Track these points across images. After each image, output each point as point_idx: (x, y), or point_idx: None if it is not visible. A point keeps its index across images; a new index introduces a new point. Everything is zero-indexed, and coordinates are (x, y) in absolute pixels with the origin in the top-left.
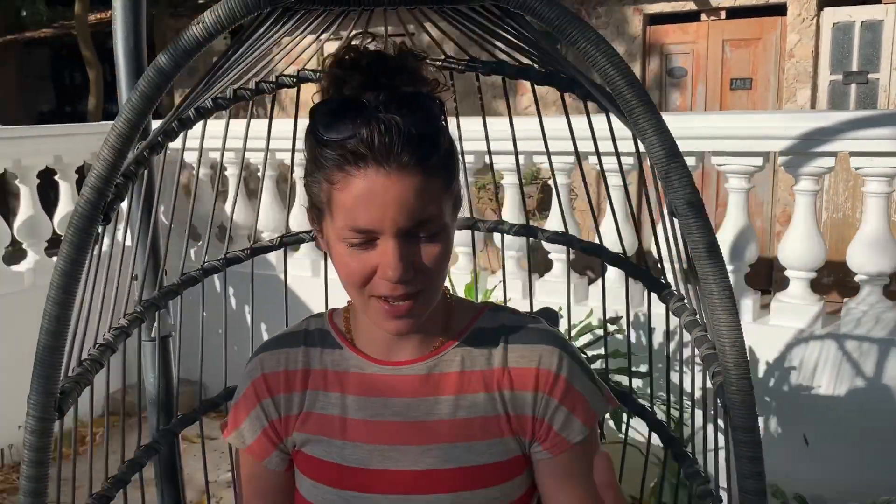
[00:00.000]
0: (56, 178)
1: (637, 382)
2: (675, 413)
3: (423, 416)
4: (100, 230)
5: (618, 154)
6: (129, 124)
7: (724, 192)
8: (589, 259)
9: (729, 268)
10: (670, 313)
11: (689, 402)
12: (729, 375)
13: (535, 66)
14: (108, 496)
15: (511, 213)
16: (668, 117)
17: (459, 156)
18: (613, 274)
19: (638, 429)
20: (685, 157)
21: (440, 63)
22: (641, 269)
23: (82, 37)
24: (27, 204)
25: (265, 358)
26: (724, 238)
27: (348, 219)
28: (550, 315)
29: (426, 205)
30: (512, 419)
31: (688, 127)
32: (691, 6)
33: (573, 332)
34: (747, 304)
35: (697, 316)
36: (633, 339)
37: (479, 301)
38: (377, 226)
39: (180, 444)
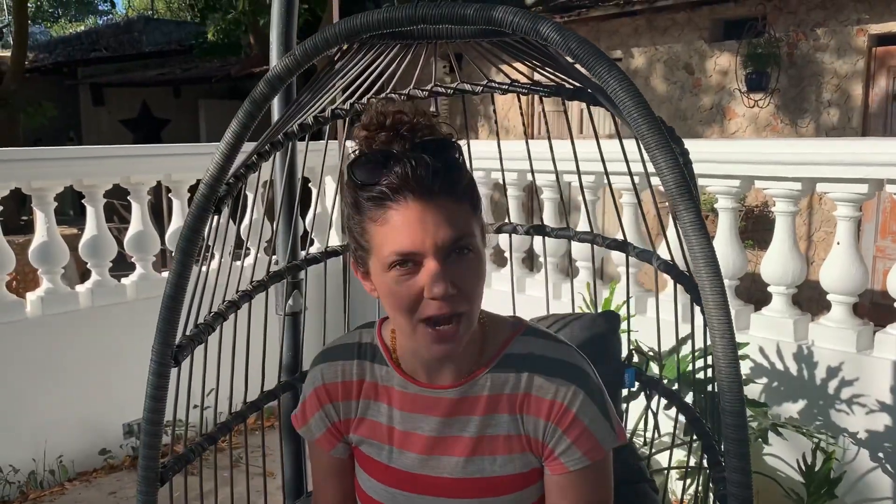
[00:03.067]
0: (169, 195)
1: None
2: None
3: (455, 432)
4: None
5: (647, 174)
6: (235, 136)
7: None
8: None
9: (843, 298)
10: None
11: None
12: (719, 363)
13: (566, 84)
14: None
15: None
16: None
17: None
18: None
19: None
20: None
21: (484, 84)
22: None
23: None
24: (92, 224)
25: (324, 369)
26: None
27: (393, 245)
28: (611, 317)
29: (460, 225)
30: (530, 438)
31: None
32: None
33: None
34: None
35: None
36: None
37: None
38: (419, 248)
39: None
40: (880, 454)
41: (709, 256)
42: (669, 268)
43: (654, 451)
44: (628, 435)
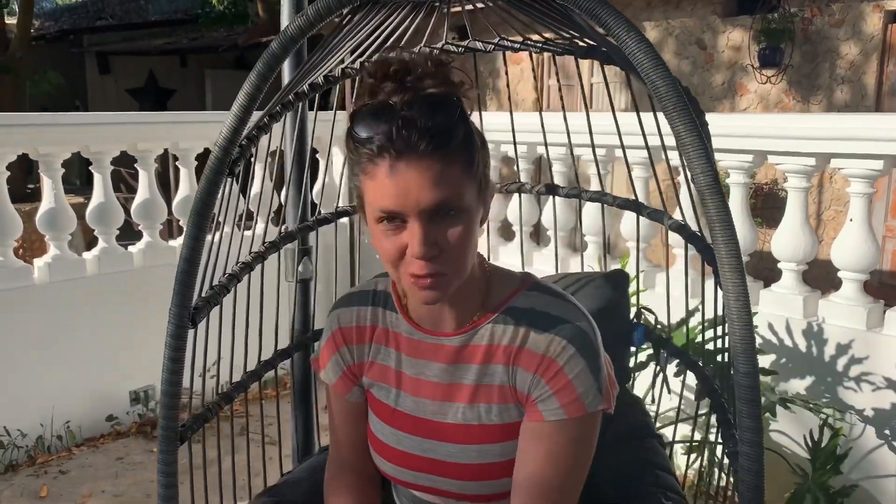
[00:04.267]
0: (177, 163)
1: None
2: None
3: (456, 379)
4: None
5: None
6: (248, 97)
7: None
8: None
9: (854, 275)
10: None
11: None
12: (732, 321)
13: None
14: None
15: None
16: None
17: (483, 145)
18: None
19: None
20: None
21: (495, 42)
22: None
23: None
24: (99, 191)
25: (341, 314)
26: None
27: (378, 203)
28: (620, 276)
29: (446, 187)
30: (516, 391)
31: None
32: None
33: None
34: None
35: None
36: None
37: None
38: (402, 208)
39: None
40: (886, 431)
41: (724, 218)
42: (681, 228)
43: (661, 413)
44: (639, 394)
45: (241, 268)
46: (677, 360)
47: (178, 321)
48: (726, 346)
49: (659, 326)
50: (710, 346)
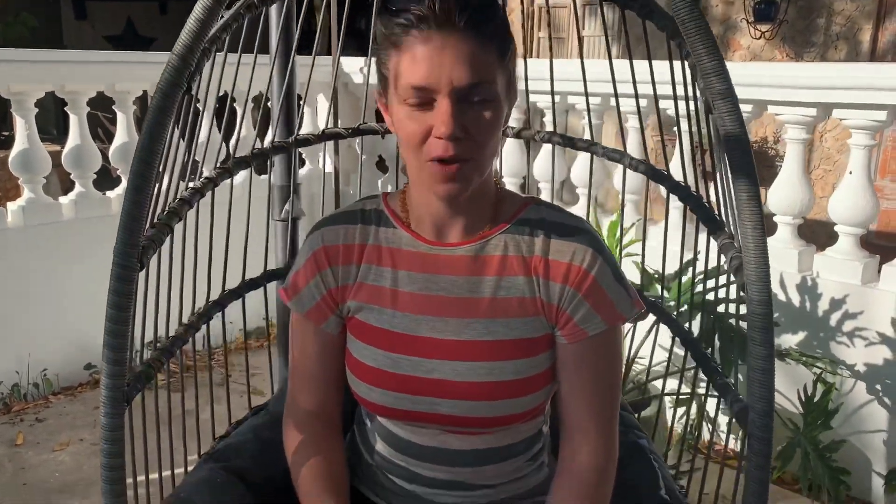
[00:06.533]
0: (113, 107)
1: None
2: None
3: (467, 293)
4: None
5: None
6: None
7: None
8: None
9: (851, 229)
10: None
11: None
12: (748, 249)
13: None
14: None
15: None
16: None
17: (514, 43)
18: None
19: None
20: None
21: None
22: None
23: None
24: (75, 133)
25: (325, 232)
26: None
27: (409, 77)
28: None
29: (480, 69)
30: (543, 303)
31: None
32: None
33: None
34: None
35: (734, 240)
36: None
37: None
38: (434, 83)
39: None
40: (877, 386)
41: (740, 136)
42: (663, 177)
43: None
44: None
45: (203, 183)
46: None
47: (124, 260)
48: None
49: (657, 275)
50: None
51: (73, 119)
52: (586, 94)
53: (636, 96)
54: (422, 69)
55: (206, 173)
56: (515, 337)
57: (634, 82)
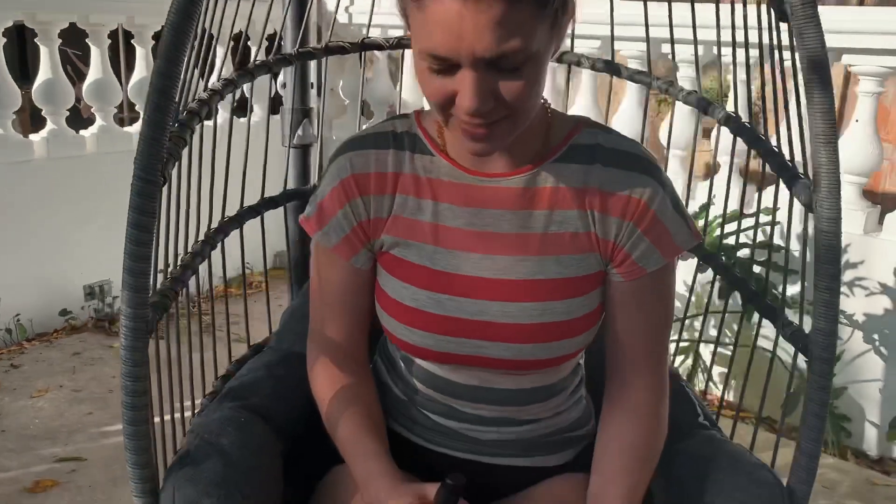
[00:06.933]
0: (132, 41)
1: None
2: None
3: (516, 228)
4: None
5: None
6: None
7: None
8: None
9: (855, 178)
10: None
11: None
12: (820, 165)
13: None
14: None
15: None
16: None
17: None
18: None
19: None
20: None
21: None
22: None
23: None
24: (46, 66)
25: (353, 158)
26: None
27: (425, 43)
28: None
29: (508, 36)
30: (598, 238)
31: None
32: None
33: None
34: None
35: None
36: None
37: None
38: (454, 55)
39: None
40: (875, 336)
41: (820, 60)
42: (715, 111)
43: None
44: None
45: (223, 84)
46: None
47: (146, 172)
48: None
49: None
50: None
51: (43, 52)
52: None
53: (694, 30)
54: (439, 38)
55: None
56: (567, 275)
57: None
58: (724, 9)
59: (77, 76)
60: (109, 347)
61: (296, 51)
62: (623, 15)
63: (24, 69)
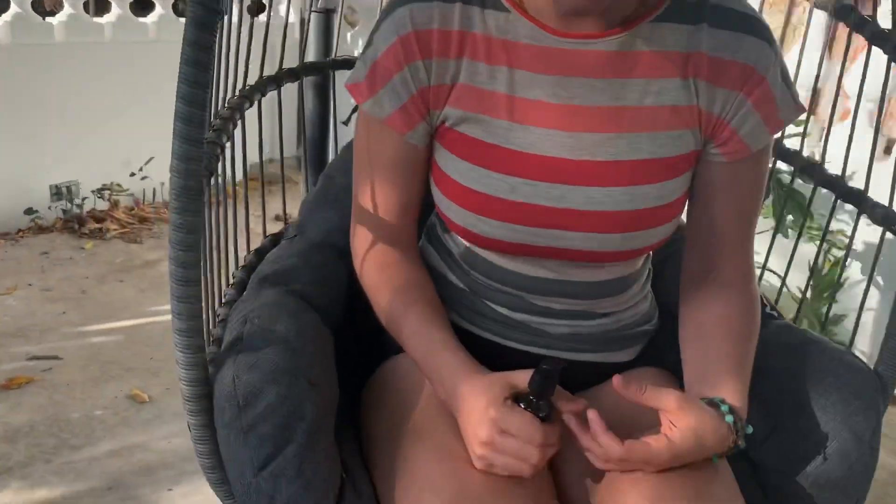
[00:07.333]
0: None
1: None
2: None
3: (607, 100)
4: None
5: None
6: None
7: None
8: None
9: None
10: None
11: None
12: None
13: None
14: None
15: None
16: None
17: None
18: None
19: None
20: None
21: None
22: None
23: None
24: None
25: (415, 10)
26: None
27: None
28: None
29: None
30: (701, 112)
31: None
32: None
33: None
34: None
35: None
36: None
37: None
38: None
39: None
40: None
41: None
42: None
43: None
44: None
45: None
46: None
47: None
48: None
49: None
50: None
51: None
52: None
53: None
54: None
55: None
56: (662, 155)
57: None
58: None
59: None
60: (80, 249)
61: None
62: None
63: None
